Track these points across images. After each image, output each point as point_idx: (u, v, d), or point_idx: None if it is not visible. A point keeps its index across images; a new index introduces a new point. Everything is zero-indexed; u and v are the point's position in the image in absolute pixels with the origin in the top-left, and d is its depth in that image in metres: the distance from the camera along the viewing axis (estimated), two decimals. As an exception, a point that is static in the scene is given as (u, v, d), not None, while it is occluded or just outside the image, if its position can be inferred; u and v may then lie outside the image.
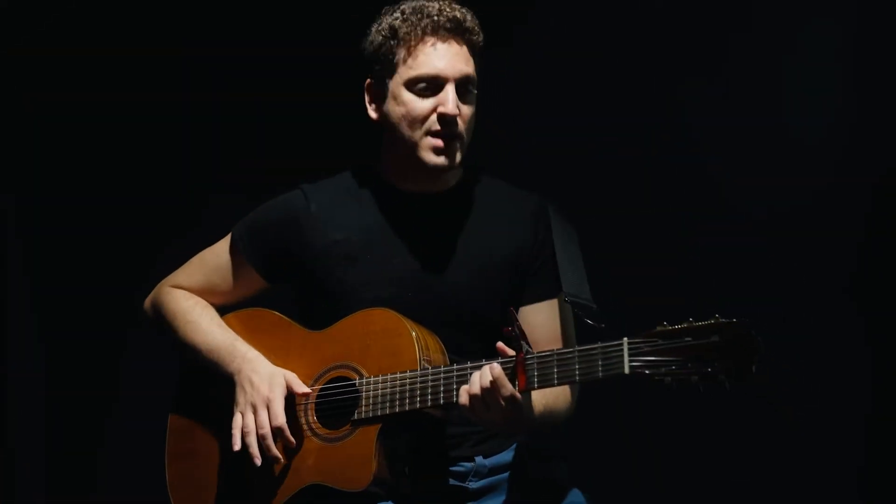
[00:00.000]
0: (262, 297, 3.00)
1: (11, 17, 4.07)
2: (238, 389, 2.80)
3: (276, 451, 2.74)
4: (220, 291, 2.98)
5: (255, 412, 2.76)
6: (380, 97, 2.85)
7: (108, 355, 4.10)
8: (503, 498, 2.83)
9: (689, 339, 2.44)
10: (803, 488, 3.71)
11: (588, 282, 2.87)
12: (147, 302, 3.04)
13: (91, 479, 4.11)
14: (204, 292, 2.98)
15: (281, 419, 2.74)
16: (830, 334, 3.73)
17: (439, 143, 2.79)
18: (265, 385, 2.77)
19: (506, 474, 2.84)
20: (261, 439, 2.75)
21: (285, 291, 2.99)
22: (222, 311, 2.98)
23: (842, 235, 3.76)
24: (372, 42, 2.84)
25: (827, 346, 3.71)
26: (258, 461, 2.74)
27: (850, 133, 3.77)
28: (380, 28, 2.83)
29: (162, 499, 3.02)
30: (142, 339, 4.02)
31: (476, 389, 2.58)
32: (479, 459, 2.83)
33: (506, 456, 2.85)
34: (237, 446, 2.77)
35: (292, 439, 2.75)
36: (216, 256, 2.98)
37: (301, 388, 2.78)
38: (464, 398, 2.60)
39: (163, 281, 3.03)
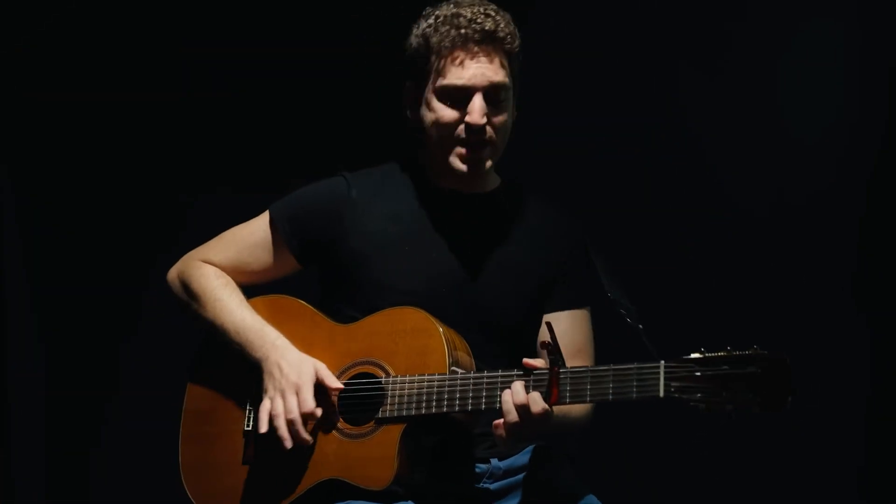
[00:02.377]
0: (283, 283, 2.98)
1: (11, 17, 4.06)
2: (266, 376, 2.78)
3: (306, 436, 2.72)
4: (250, 270, 2.96)
5: (283, 397, 2.74)
6: (415, 100, 2.87)
7: (108, 355, 4.09)
8: (517, 500, 2.83)
9: (727, 367, 2.46)
10: (804, 488, 3.71)
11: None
12: (173, 273, 2.99)
13: (91, 481, 4.11)
14: (233, 270, 2.95)
15: (311, 404, 2.72)
16: (830, 334, 3.73)
17: (465, 151, 2.82)
18: (294, 372, 2.75)
19: (519, 477, 2.85)
20: (289, 424, 2.72)
21: (305, 279, 2.97)
22: (247, 290, 2.95)
23: (842, 235, 3.76)
24: (410, 45, 2.86)
25: (827, 346, 3.71)
26: (288, 444, 2.71)
27: (851, 132, 3.77)
28: (417, 33, 2.85)
29: (162, 500, 3.02)
30: (142, 340, 4.05)
31: (510, 409, 2.58)
32: (494, 461, 2.83)
33: (520, 458, 2.86)
34: (263, 429, 2.74)
35: (321, 425, 2.73)
36: (250, 234, 2.96)
37: (331, 379, 2.75)
38: (500, 430, 2.61)
39: (191, 253, 3.00)
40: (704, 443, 3.62)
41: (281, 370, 2.76)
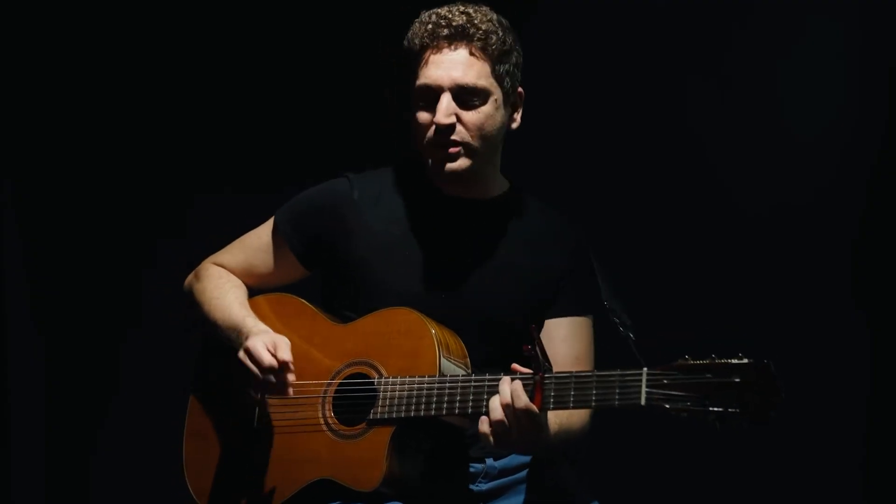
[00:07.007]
0: (292, 284, 2.99)
1: (10, 14, 4.06)
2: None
3: (289, 378, 2.70)
4: (259, 274, 2.97)
5: (253, 375, 2.73)
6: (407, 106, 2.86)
7: (108, 355, 4.10)
8: (513, 500, 2.83)
9: (710, 375, 2.41)
10: (805, 489, 3.72)
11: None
12: (188, 278, 3.02)
13: (91, 481, 4.11)
14: (243, 274, 2.97)
15: (266, 360, 2.69)
16: (830, 333, 3.74)
17: (434, 152, 2.80)
18: (250, 343, 2.74)
19: (514, 476, 2.84)
20: (261, 387, 2.73)
21: (313, 281, 2.98)
22: (259, 293, 2.96)
23: (842, 234, 3.77)
24: (402, 51, 2.83)
25: (827, 346, 3.72)
26: (290, 391, 2.71)
27: (851, 132, 3.77)
28: (405, 38, 2.82)
29: (161, 500, 3.03)
30: (142, 340, 4.05)
31: (496, 406, 2.56)
32: (489, 461, 2.83)
33: (516, 458, 2.85)
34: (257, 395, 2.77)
35: (289, 360, 2.71)
36: (257, 239, 2.97)
37: (282, 350, 2.72)
38: (484, 427, 2.58)
39: (208, 258, 3.01)
40: (705, 444, 3.62)
41: (247, 352, 2.76)
